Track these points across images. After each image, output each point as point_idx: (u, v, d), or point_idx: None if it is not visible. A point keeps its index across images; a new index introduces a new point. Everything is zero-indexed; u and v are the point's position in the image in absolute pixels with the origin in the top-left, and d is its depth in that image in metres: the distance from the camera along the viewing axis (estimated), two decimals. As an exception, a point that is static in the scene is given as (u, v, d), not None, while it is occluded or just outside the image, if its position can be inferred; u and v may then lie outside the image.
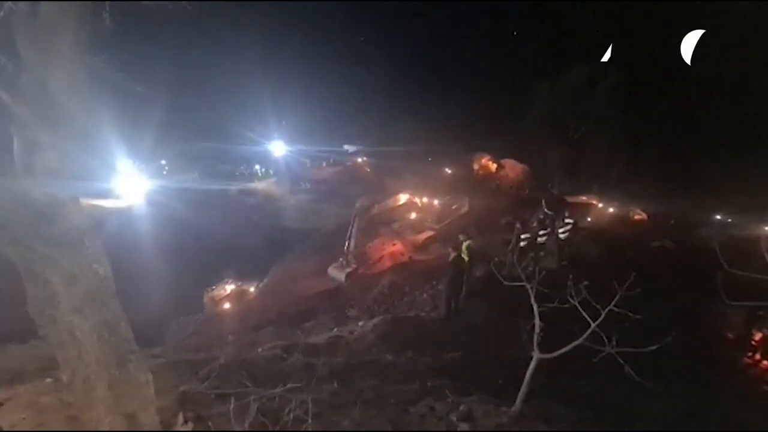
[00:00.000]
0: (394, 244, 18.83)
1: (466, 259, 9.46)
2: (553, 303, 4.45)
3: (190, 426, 1.60)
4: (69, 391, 1.28)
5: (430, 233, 19.80)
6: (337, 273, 16.09)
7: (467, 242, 9.75)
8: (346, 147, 41.14)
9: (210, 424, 3.87)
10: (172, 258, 18.70)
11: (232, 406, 4.04)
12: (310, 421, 4.05)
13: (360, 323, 9.50)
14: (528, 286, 4.66)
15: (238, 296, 17.31)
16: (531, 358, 4.38)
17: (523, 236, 10.67)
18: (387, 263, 16.81)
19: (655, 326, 4.76)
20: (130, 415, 1.33)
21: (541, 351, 4.36)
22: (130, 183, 19.19)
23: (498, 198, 24.25)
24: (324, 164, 39.57)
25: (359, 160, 39.29)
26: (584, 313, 4.21)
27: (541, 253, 10.84)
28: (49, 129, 1.12)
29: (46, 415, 4.49)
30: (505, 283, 5.62)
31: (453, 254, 9.09)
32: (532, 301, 4.53)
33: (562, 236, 10.89)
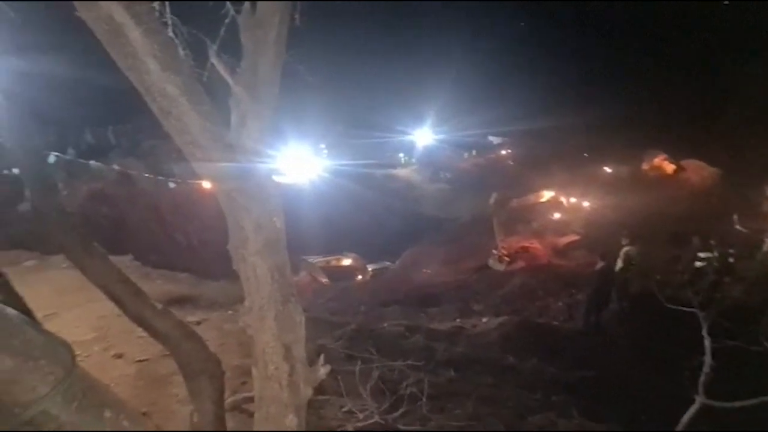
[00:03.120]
0: (530, 244, 17.54)
1: (621, 266, 8.22)
2: (735, 341, 3.54)
3: (328, 368, 1.86)
4: (248, 315, 1.64)
5: (574, 237, 17.73)
6: (497, 265, 15.98)
7: (626, 248, 8.45)
8: (490, 138, 39.70)
9: (339, 377, 4.39)
10: (321, 230, 21.33)
11: (358, 367, 4.50)
12: (424, 400, 4.21)
13: (484, 319, 9.27)
14: (700, 315, 3.81)
15: (355, 271, 18.36)
16: (692, 401, 3.60)
17: (701, 254, 8.66)
18: (520, 263, 15.83)
19: None
20: (287, 346, 1.63)
21: (708, 396, 3.54)
22: (295, 162, 22.36)
23: (673, 206, 20.04)
24: (466, 155, 39.02)
25: (503, 152, 37.47)
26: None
27: (726, 278, 8.62)
28: (254, 105, 1.47)
29: (226, 338, 5.79)
30: (668, 305, 4.74)
31: (600, 264, 7.99)
32: (704, 333, 3.69)
33: (757, 259, 8.45)
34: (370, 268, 18.95)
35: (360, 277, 18.18)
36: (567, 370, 6.39)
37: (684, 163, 25.35)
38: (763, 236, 8.69)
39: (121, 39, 1.11)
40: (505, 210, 18.40)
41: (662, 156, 26.63)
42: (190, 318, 6.09)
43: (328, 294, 15.14)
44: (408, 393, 4.37)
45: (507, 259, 15.65)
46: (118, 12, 1.06)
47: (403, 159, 37.80)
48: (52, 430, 1.03)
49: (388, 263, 20.22)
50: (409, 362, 5.20)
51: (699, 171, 23.97)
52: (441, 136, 37.18)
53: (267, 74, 1.50)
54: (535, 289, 11.74)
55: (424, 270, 18.31)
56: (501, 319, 8.89)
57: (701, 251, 8.67)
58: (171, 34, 1.59)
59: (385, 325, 8.52)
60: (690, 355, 3.82)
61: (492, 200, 17.22)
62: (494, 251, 16.28)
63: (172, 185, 14.21)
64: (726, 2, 28.73)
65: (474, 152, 38.70)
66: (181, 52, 1.45)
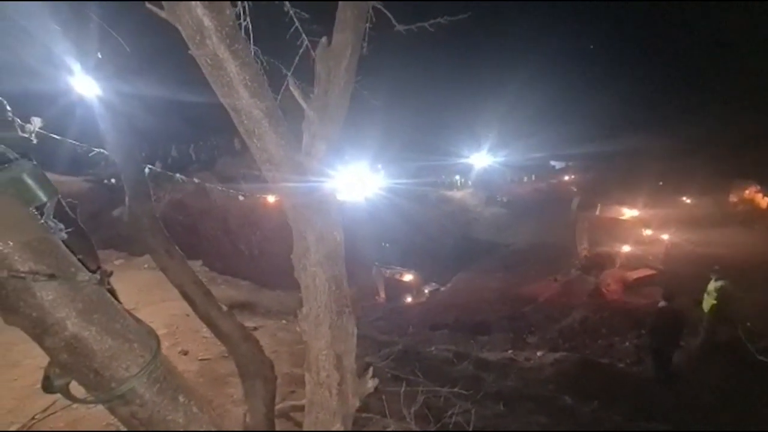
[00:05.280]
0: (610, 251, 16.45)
1: (712, 303, 7.37)
2: None
3: (376, 381, 1.90)
4: (305, 322, 1.74)
5: (648, 272, 16.20)
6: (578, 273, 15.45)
7: (719, 282, 7.58)
8: (552, 162, 38.15)
9: (383, 397, 4.37)
10: (373, 249, 21.62)
11: (403, 389, 4.45)
12: (470, 431, 4.05)
13: (539, 353, 8.72)
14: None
15: (413, 288, 18.40)
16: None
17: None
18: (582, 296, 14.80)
19: None
20: (339, 355, 1.70)
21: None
22: (352, 180, 23.00)
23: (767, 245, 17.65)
24: (525, 179, 37.77)
25: (565, 177, 35.73)
26: None
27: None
28: (322, 127, 1.62)
29: (279, 346, 6.03)
30: (761, 359, 4.17)
31: (662, 303, 7.21)
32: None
33: None
34: (426, 290, 19.00)
35: (414, 296, 18.25)
36: (632, 420, 5.79)
37: (784, 196, 22.32)
38: None
39: (221, 71, 1.33)
40: (588, 215, 17.39)
41: (754, 187, 23.68)
42: (248, 323, 6.43)
43: (377, 312, 15.22)
44: (453, 422, 4.23)
45: (586, 253, 14.71)
46: (221, 50, 1.27)
47: (459, 181, 37.43)
48: (136, 406, 1.18)
49: (438, 286, 19.98)
50: (456, 390, 5.04)
51: (803, 206, 20.98)
52: (499, 159, 36.47)
53: (337, 99, 1.66)
54: (598, 325, 10.86)
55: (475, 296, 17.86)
56: (558, 354, 8.32)
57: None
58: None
59: (433, 349, 8.35)
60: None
61: (574, 204, 16.35)
62: (576, 261, 15.52)
63: (240, 199, 15.36)
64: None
65: (533, 176, 37.34)
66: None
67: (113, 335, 1.14)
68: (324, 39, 1.67)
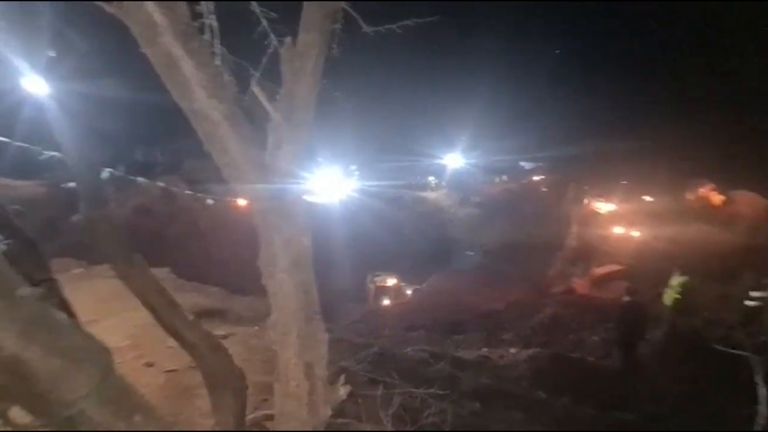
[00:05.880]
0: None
1: (674, 297, 7.75)
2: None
3: (348, 388, 1.86)
4: (272, 329, 1.69)
5: (614, 268, 16.94)
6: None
7: (683, 278, 7.97)
8: (522, 163, 39.13)
9: (359, 401, 4.32)
10: (348, 251, 21.47)
11: (379, 392, 4.42)
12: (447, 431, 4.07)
13: (512, 350, 8.90)
14: (752, 359, 3.51)
15: (396, 292, 18.61)
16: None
17: (756, 294, 8.02)
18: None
19: None
20: (309, 363, 1.65)
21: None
22: (325, 183, 22.79)
23: (720, 240, 18.77)
24: (497, 179, 38.58)
25: (535, 178, 36.74)
26: None
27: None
28: (290, 130, 1.57)
29: (251, 354, 5.86)
30: (718, 347, 4.41)
31: (627, 298, 7.59)
32: (757, 379, 3.39)
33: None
34: (408, 291, 19.17)
35: (395, 299, 18.35)
36: (603, 411, 5.99)
37: (734, 194, 23.82)
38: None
39: (176, 70, 1.25)
40: (580, 206, 18.02)
41: (709, 186, 25.13)
42: (218, 331, 6.21)
43: (352, 316, 15.11)
44: (430, 422, 4.24)
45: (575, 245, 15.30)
46: (176, 47, 1.21)
47: (432, 182, 37.77)
48: (87, 430, 1.09)
49: (417, 286, 20.14)
50: (433, 390, 5.05)
51: (752, 203, 22.40)
52: (472, 161, 37.05)
53: (303, 101, 1.61)
54: (568, 321, 11.21)
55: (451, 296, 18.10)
56: (531, 351, 8.52)
57: (754, 289, 8.04)
58: (218, 62, 1.73)
59: (409, 350, 8.34)
60: (741, 402, 3.51)
61: (570, 193, 17.16)
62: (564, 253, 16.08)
63: (210, 202, 14.90)
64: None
65: (505, 177, 38.20)
66: (227, 79, 1.59)
67: (59, 355, 1.05)
68: (289, 39, 1.62)
